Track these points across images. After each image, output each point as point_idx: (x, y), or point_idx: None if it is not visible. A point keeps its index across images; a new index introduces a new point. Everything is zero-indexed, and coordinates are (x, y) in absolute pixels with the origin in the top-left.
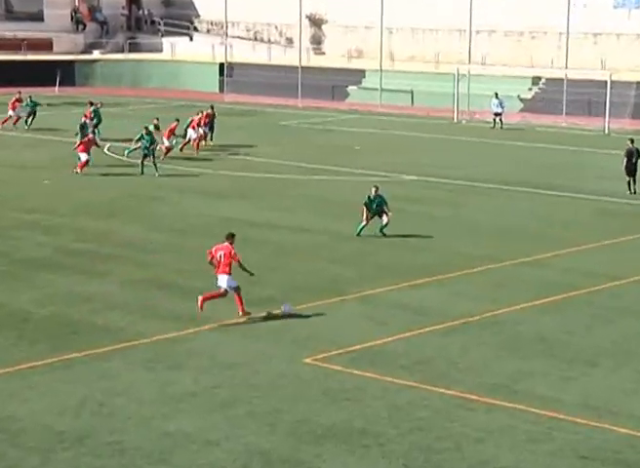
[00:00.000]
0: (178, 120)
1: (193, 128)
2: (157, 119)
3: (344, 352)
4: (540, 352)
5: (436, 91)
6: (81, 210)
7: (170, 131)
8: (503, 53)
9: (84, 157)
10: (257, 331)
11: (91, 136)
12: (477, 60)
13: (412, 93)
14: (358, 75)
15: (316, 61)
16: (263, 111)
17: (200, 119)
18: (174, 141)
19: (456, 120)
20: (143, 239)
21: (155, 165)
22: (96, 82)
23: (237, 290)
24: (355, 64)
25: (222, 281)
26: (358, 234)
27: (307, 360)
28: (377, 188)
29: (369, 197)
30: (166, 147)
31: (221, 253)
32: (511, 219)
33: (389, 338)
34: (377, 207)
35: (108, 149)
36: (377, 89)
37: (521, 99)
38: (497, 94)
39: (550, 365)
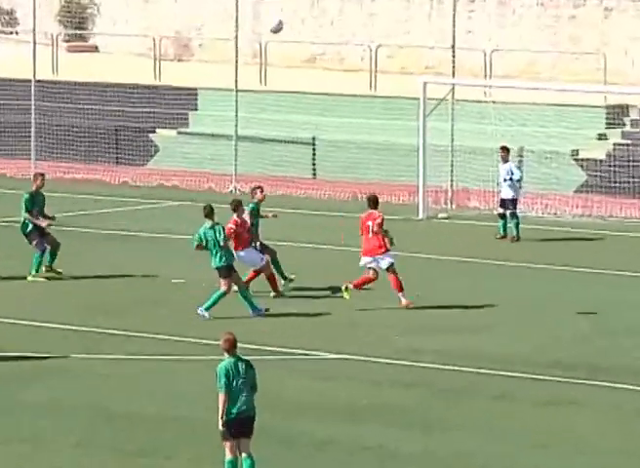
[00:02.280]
0: None
1: None
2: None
3: None
4: None
5: (374, 141)
6: None
7: None
8: (532, 48)
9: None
10: None
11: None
12: (471, 68)
13: (313, 145)
14: (181, 103)
15: (74, 69)
16: None
17: None
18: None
19: (422, 214)
20: None
21: None
22: None
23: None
24: (175, 77)
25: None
26: None
27: None
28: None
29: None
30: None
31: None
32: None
33: None
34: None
35: None
36: (226, 136)
37: (581, 162)
38: (505, 149)
39: None
